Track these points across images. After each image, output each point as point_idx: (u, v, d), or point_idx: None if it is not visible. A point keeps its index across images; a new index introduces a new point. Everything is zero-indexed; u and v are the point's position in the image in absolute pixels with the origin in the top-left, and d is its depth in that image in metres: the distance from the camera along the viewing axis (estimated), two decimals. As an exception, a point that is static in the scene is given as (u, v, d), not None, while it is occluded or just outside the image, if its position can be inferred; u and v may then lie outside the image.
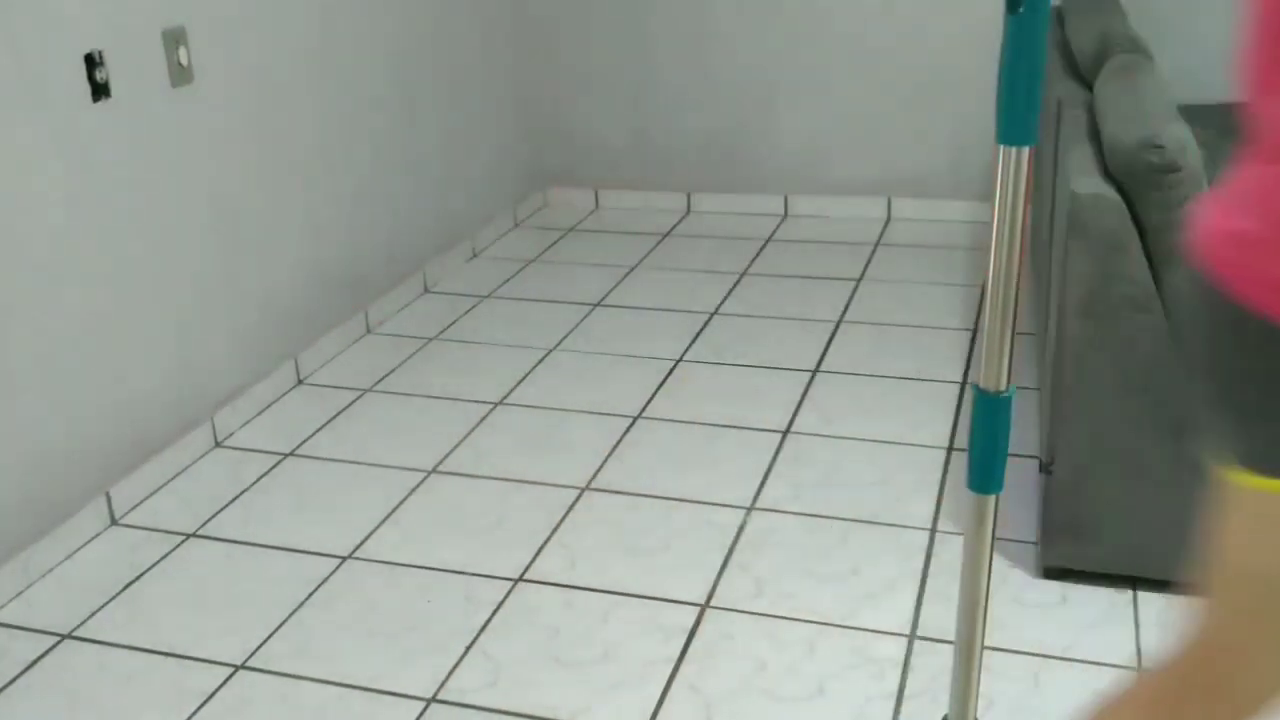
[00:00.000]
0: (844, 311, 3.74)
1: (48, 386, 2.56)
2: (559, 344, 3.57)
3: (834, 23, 4.42)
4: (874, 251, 4.28)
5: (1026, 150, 1.19)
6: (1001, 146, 1.19)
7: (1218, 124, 3.72)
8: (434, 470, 2.90)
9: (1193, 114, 3.81)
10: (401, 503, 2.76)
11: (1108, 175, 2.12)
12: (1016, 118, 1.17)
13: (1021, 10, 1.11)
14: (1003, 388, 1.28)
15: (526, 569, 2.49)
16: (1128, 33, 2.79)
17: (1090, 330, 2.12)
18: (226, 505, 2.79)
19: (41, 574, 2.55)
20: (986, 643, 2.18)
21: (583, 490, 2.78)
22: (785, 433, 2.99)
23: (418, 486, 2.83)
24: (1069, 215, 2.10)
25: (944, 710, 2.03)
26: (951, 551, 2.48)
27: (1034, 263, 3.31)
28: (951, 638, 2.21)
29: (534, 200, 4.88)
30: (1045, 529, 2.31)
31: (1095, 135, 2.39)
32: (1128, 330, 2.10)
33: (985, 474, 1.33)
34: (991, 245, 1.24)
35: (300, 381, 3.42)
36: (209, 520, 2.74)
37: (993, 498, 1.35)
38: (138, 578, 2.53)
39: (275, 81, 3.23)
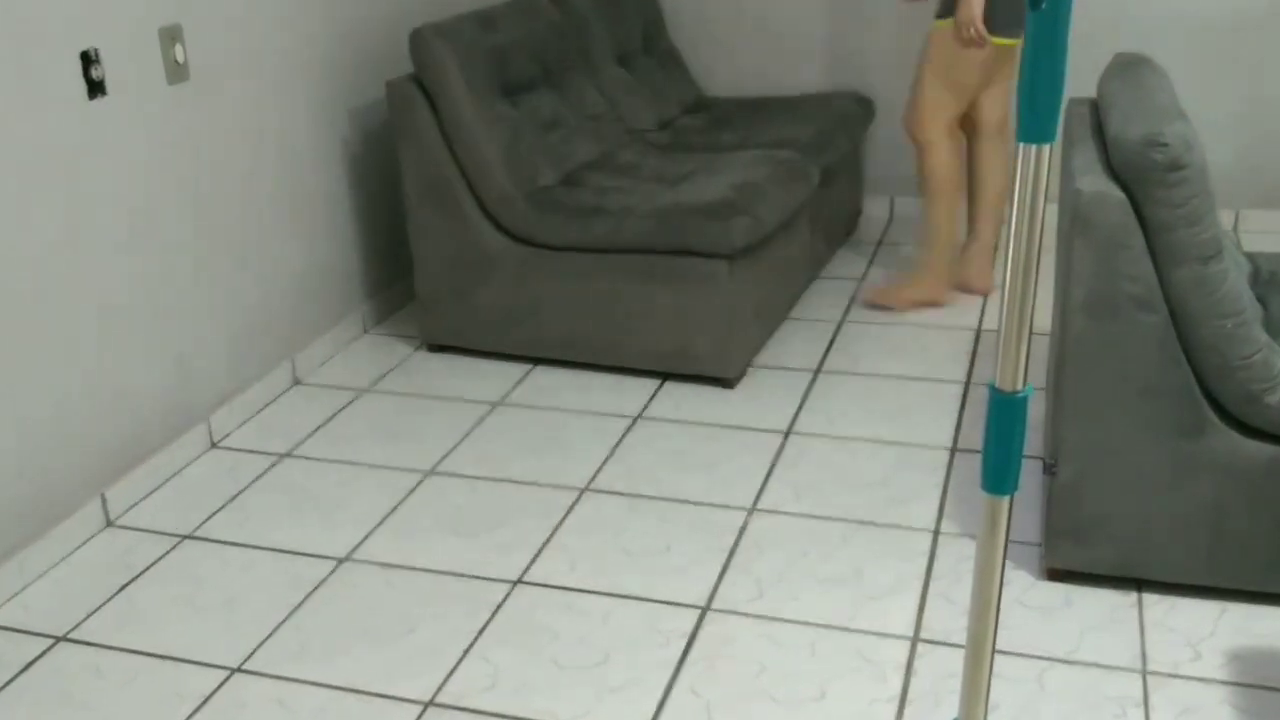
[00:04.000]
0: (844, 312, 3.72)
1: (44, 387, 2.54)
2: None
3: (833, 21, 4.41)
4: (875, 251, 4.26)
5: (1047, 148, 1.17)
6: (1021, 145, 1.17)
7: (718, 113, 4.18)
8: (432, 471, 2.88)
9: (722, 106, 4.26)
10: (399, 504, 2.74)
11: (1111, 173, 2.10)
12: (1037, 116, 1.16)
13: (1043, 7, 1.10)
14: (1019, 387, 1.27)
15: (526, 571, 2.47)
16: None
17: (1094, 329, 2.10)
18: (223, 507, 2.78)
19: (37, 575, 2.53)
20: (990, 645, 2.17)
21: (583, 491, 2.76)
22: (786, 433, 2.98)
23: (416, 487, 2.81)
24: (1073, 213, 2.09)
25: (949, 713, 2.01)
26: (954, 553, 2.46)
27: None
28: (954, 640, 2.20)
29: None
30: (1049, 531, 2.29)
31: (1099, 133, 2.37)
32: (1132, 328, 2.08)
33: (1000, 475, 1.31)
34: (1009, 243, 1.22)
35: (296, 382, 3.41)
36: (205, 522, 2.72)
37: (1007, 499, 1.33)
38: (133, 579, 2.51)
39: (271, 79, 3.22)
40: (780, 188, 3.32)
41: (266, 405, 3.26)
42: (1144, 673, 2.09)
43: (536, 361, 3.43)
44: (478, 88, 3.29)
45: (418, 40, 3.25)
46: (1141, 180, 2.02)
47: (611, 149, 3.71)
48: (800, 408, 3.11)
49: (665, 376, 3.31)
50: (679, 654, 2.20)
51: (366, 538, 2.62)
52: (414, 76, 3.31)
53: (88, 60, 2.59)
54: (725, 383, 3.27)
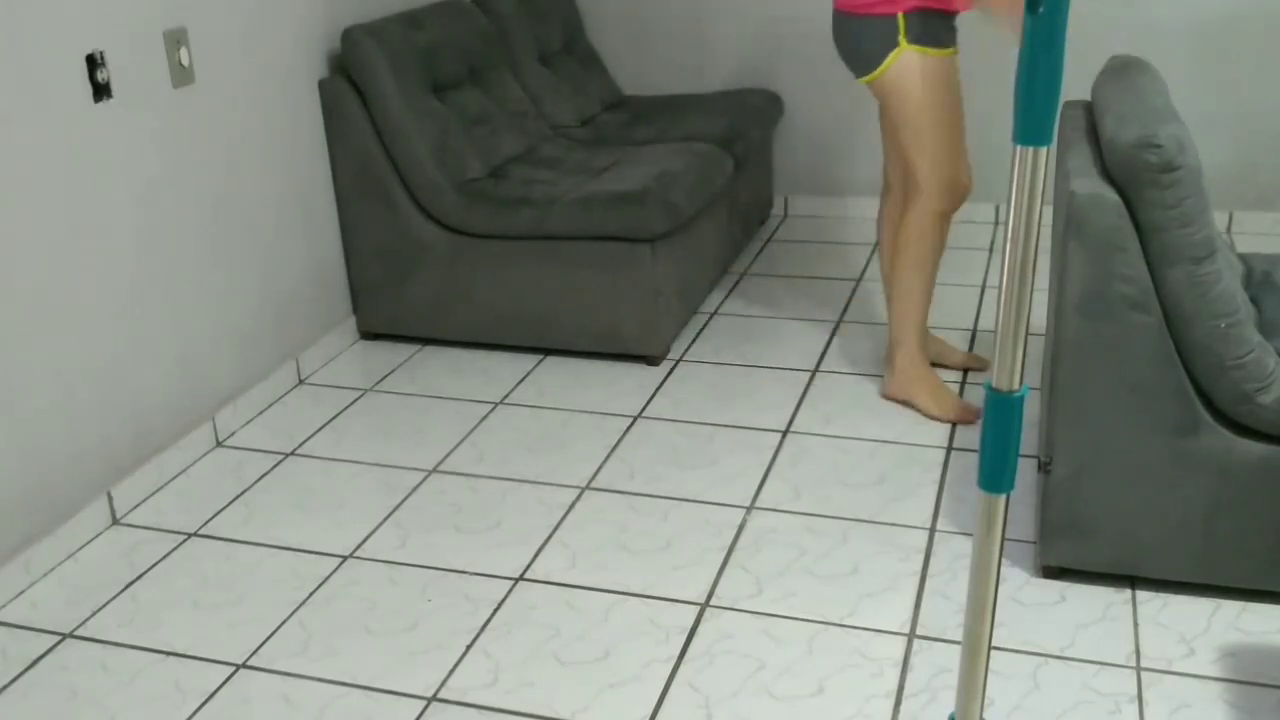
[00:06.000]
0: (844, 311, 3.74)
1: (49, 386, 2.56)
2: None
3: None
4: (874, 251, 4.28)
5: (1044, 151, 1.18)
6: (1018, 147, 1.19)
7: (636, 110, 4.31)
8: (434, 470, 2.90)
9: (639, 104, 4.43)
10: (401, 503, 2.77)
11: (1106, 175, 2.13)
12: (1034, 118, 1.16)
13: (1041, 10, 1.11)
14: (1015, 387, 1.28)
15: (526, 568, 2.49)
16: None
17: (1089, 329, 2.13)
18: (227, 505, 2.80)
19: (43, 573, 2.55)
20: (986, 642, 2.19)
21: (583, 490, 2.78)
22: (785, 432, 3.00)
23: (418, 486, 2.84)
24: (1068, 215, 2.11)
25: (945, 709, 2.03)
26: (950, 551, 2.48)
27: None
28: (950, 637, 2.22)
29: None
30: (1044, 528, 2.31)
31: (1094, 135, 2.40)
32: (1126, 329, 2.10)
33: (996, 473, 1.33)
34: (1006, 245, 1.23)
35: (301, 381, 3.43)
36: (210, 520, 2.74)
37: (1003, 497, 1.34)
38: (139, 577, 2.53)
39: (276, 82, 3.24)
40: (697, 176, 3.50)
41: (271, 404, 3.29)
42: (1138, 669, 2.11)
43: (472, 345, 3.48)
44: (407, 85, 3.42)
45: (349, 39, 3.36)
46: (1135, 182, 2.04)
47: (535, 143, 3.87)
48: (798, 407, 3.13)
49: (599, 356, 3.42)
50: (678, 650, 2.22)
51: (370, 535, 2.64)
52: (345, 74, 3.42)
53: (93, 63, 2.61)
54: (651, 360, 3.42)
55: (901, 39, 2.74)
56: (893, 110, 2.85)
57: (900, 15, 2.73)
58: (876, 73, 2.80)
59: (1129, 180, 2.04)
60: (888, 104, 2.86)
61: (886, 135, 3.04)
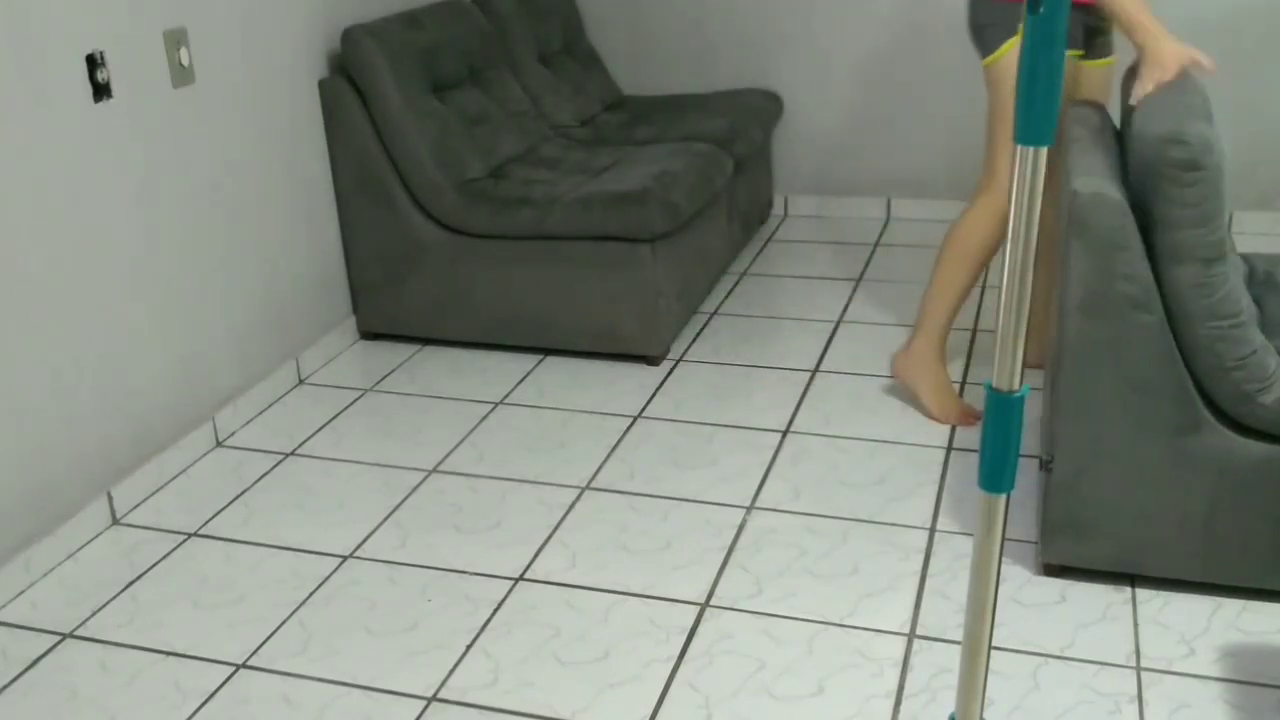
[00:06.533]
0: (844, 311, 3.74)
1: (49, 386, 2.56)
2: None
3: (834, 21, 4.43)
4: (874, 251, 4.28)
5: (1044, 150, 1.18)
6: (1019, 146, 1.18)
7: (635, 110, 4.34)
8: (434, 470, 2.90)
9: (639, 104, 4.46)
10: (401, 503, 2.76)
11: (1118, 171, 2.12)
12: (1035, 118, 1.16)
13: (1042, 10, 1.11)
14: (1015, 387, 1.28)
15: (526, 568, 2.49)
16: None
17: (1091, 329, 2.12)
18: (227, 505, 2.80)
19: (43, 573, 2.55)
20: (986, 641, 2.18)
21: (583, 490, 2.78)
22: (785, 433, 3.00)
23: (418, 486, 2.83)
24: (1069, 214, 2.11)
25: (944, 708, 2.03)
26: (950, 551, 2.48)
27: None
28: (950, 637, 2.22)
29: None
30: (1044, 527, 2.31)
31: (1105, 133, 2.40)
32: (1128, 329, 2.10)
33: (997, 473, 1.33)
34: (1007, 244, 1.23)
35: (301, 381, 3.43)
36: (210, 520, 2.74)
37: (1003, 497, 1.34)
38: (139, 577, 2.53)
39: (276, 82, 3.24)
40: (697, 176, 3.51)
41: (271, 404, 3.28)
42: (1138, 669, 2.11)
43: (472, 346, 3.47)
44: (407, 85, 3.42)
45: (349, 39, 3.37)
46: (1156, 176, 2.02)
47: (535, 143, 3.89)
48: (798, 407, 3.13)
49: (599, 356, 3.43)
50: (678, 650, 2.22)
51: (370, 535, 2.64)
52: (345, 74, 3.43)
53: (93, 63, 2.61)
54: (651, 360, 3.42)
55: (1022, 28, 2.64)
56: (993, 99, 2.75)
57: (1026, 3, 2.62)
58: (992, 58, 2.71)
59: (1149, 173, 2.03)
60: (992, 92, 2.75)
61: None
